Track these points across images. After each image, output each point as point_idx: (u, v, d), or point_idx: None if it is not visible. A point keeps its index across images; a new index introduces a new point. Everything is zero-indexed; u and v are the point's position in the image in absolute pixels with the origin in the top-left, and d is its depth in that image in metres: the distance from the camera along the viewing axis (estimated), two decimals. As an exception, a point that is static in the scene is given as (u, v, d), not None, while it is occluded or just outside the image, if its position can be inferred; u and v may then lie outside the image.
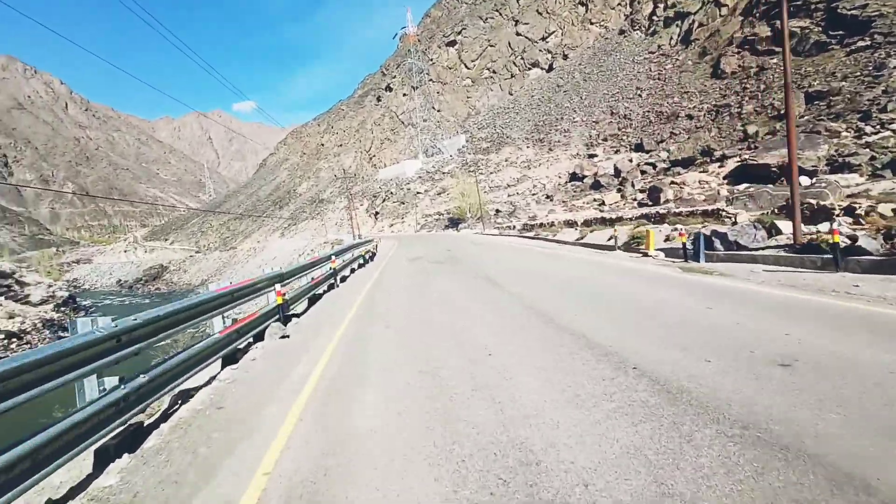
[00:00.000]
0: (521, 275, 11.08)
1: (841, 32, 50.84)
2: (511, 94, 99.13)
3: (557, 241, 17.21)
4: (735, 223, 12.58)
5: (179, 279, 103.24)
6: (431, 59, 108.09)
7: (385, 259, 19.83)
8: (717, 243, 9.93)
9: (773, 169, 30.76)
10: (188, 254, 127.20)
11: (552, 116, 75.90)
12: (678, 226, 12.63)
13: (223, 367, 5.53)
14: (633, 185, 41.29)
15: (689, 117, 58.35)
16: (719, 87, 60.46)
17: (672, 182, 36.44)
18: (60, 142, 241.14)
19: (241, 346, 6.09)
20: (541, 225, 23.14)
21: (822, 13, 55.32)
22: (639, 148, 57.21)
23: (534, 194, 54.62)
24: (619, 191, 42.09)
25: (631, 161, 51.73)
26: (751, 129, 37.90)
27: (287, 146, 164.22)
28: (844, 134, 32.14)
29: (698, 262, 9.18)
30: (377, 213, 75.53)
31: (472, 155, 75.41)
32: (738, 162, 35.15)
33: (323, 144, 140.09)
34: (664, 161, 44.79)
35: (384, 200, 77.69)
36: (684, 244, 9.63)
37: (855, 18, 50.70)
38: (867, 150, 27.83)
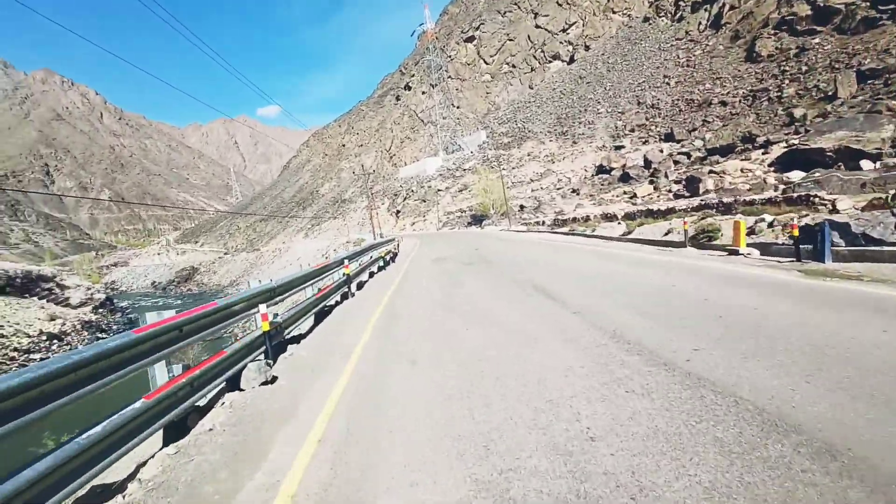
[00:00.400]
0: (578, 282, 8.61)
1: (893, 7, 46.30)
2: (531, 88, 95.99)
3: (600, 237, 14.95)
4: (835, 210, 10.00)
5: (209, 280, 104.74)
6: (450, 56, 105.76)
7: (407, 259, 17.60)
8: (836, 237, 7.48)
9: (829, 153, 27.49)
10: (217, 255, 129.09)
11: (575, 109, 72.63)
12: (766, 216, 10.11)
13: (166, 442, 3.54)
14: (666, 176, 38.21)
15: (723, 104, 54.44)
16: (755, 72, 56.26)
17: (711, 171, 33.39)
18: (97, 150, 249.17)
19: (203, 403, 4.09)
20: (574, 219, 20.62)
21: (870, -13, 50.57)
22: (669, 138, 53.72)
23: (559, 188, 51.89)
24: (650, 182, 39.07)
25: (662, 151, 48.38)
26: (797, 113, 34.38)
27: (309, 148, 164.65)
28: (912, 112, 28.50)
29: (822, 262, 6.79)
30: (398, 211, 73.86)
31: (493, 150, 72.83)
32: (784, 148, 31.80)
33: (344, 145, 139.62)
34: (699, 150, 41.49)
35: (405, 199, 75.96)
36: (796, 239, 7.20)
37: (909, -10, 45.96)
38: (943, 128, 24.45)
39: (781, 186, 26.73)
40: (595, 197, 44.18)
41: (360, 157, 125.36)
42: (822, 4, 54.22)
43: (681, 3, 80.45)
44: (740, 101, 52.71)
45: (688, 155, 40.71)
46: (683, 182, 34.31)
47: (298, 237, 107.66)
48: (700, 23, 74.95)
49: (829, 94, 39.31)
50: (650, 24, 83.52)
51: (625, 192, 40.69)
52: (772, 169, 29.83)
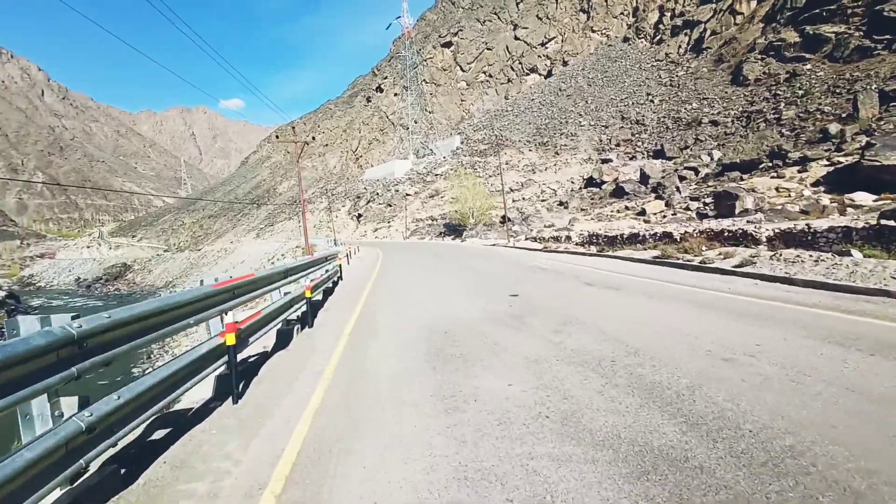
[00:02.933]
0: None
1: (888, 37, 43.43)
2: (507, 99, 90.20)
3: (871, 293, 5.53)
4: None
5: (143, 280, 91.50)
6: (425, 61, 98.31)
7: (355, 314, 7.28)
8: None
9: (905, 172, 21.59)
10: (156, 252, 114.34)
11: (556, 120, 66.81)
12: None
13: None
14: (678, 191, 31.80)
15: (714, 123, 50.11)
16: (744, 94, 52.57)
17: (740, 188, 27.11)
18: (34, 129, 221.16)
19: None
20: (659, 238, 11.92)
21: (861, 18, 48.01)
22: (659, 154, 48.51)
23: (543, 200, 44.90)
24: (658, 197, 32.54)
25: (659, 166, 42.62)
26: (832, 129, 28.98)
27: (271, 144, 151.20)
28: (980, 133, 23.46)
29: None
30: (360, 215, 64.52)
31: (469, 157, 65.46)
32: (826, 165, 26.19)
33: (308, 143, 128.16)
34: (707, 166, 35.70)
35: (369, 202, 66.78)
36: None
37: (906, 21, 43.15)
38: None
39: (851, 210, 20.48)
40: (589, 211, 37.35)
41: (325, 156, 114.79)
42: (811, 32, 51.32)
43: (660, 26, 77.44)
44: (733, 121, 48.50)
45: (695, 170, 34.75)
46: (709, 198, 27.89)
47: (249, 237, 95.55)
48: (680, 46, 71.90)
49: (844, 115, 34.88)
50: (629, 44, 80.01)
51: (627, 208, 34.05)
52: (822, 189, 23.86)
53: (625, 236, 12.91)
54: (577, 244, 16.38)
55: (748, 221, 22.34)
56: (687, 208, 29.06)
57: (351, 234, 61.17)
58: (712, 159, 36.25)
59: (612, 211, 34.85)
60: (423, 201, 57.68)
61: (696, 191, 31.69)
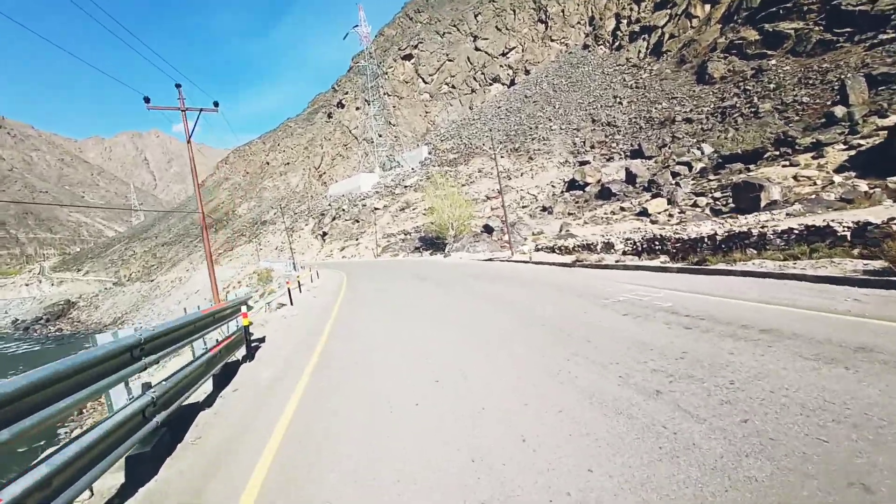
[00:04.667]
0: None
1: (849, 29, 42.57)
2: (472, 109, 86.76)
3: None
4: None
5: (88, 317, 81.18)
6: (386, 73, 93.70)
7: None
8: None
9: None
10: (104, 286, 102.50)
11: (525, 126, 63.41)
12: None
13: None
14: (679, 187, 28.06)
15: (689, 121, 47.82)
16: (713, 91, 50.84)
17: (750, 178, 23.49)
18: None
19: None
20: (799, 237, 6.81)
21: (818, 14, 47.28)
22: (637, 154, 45.58)
23: (524, 206, 40.49)
24: (657, 195, 28.68)
25: (640, 165, 39.29)
26: (838, 112, 26.10)
27: (229, 165, 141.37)
28: None
29: None
30: (325, 233, 58.07)
31: (438, 167, 60.69)
32: (845, 149, 23.03)
33: (268, 163, 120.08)
34: (700, 160, 32.40)
35: (334, 219, 60.48)
36: None
37: (865, 14, 42.39)
38: None
39: (908, 193, 16.88)
40: (578, 215, 33.11)
41: (286, 175, 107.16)
42: (770, 30, 50.40)
43: (618, 33, 76.49)
44: (707, 117, 46.33)
45: (689, 165, 31.27)
46: (718, 193, 24.14)
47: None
48: (640, 51, 70.81)
49: (829, 102, 32.75)
50: (589, 51, 78.59)
51: (623, 209, 30.00)
52: (852, 174, 20.43)
53: (718, 239, 8.21)
54: (624, 253, 11.51)
55: (787, 214, 18.36)
56: (695, 205, 25.24)
57: (316, 254, 54.63)
58: (703, 153, 33.05)
59: (605, 213, 30.76)
60: (393, 215, 52.16)
61: (697, 186, 28.15)
